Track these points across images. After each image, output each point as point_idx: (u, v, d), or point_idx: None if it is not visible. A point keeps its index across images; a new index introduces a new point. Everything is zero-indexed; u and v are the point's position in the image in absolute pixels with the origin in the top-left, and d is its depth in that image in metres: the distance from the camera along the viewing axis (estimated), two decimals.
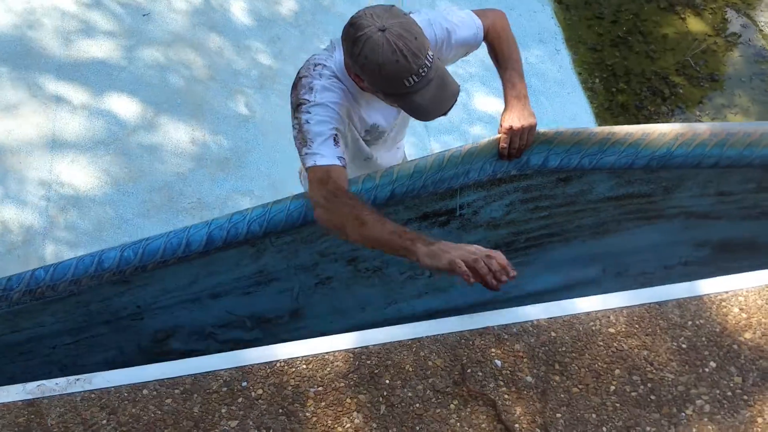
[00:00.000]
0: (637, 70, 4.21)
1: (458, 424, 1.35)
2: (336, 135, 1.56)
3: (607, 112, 4.03)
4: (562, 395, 1.37)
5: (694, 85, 4.21)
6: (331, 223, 1.50)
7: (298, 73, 1.64)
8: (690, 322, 1.42)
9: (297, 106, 1.57)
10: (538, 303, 1.48)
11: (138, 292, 1.73)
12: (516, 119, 1.67)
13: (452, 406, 1.37)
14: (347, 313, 2.07)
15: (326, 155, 1.52)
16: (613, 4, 4.52)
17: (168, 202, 3.35)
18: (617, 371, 1.37)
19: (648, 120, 4.02)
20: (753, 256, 2.15)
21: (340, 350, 1.42)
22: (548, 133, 1.73)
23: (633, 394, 1.36)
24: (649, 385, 1.37)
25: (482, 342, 1.42)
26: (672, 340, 1.40)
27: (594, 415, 1.34)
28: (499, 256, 1.33)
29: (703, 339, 1.40)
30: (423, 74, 1.44)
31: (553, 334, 1.42)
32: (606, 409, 1.35)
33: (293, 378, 1.41)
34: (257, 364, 1.42)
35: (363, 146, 1.84)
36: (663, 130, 1.74)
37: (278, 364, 1.42)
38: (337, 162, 1.53)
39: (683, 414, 1.34)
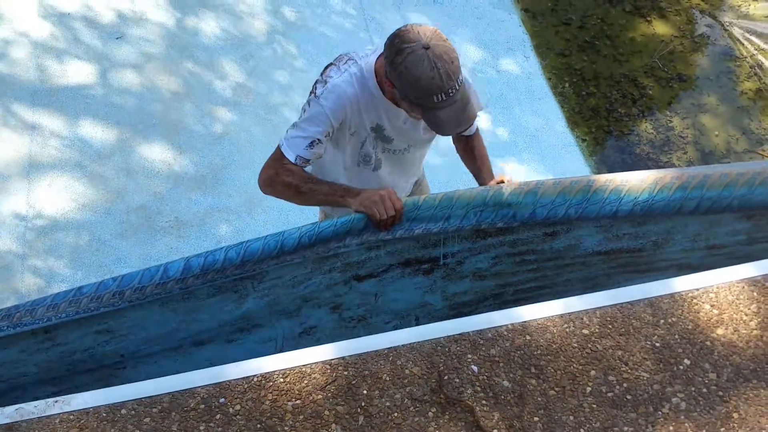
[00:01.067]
0: (606, 74, 4.27)
1: (437, 431, 1.35)
2: (315, 140, 1.74)
3: (578, 116, 4.08)
4: (539, 398, 1.38)
5: (663, 86, 4.28)
6: (274, 194, 1.84)
7: (333, 59, 1.77)
8: (662, 321, 1.44)
9: (311, 90, 1.74)
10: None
11: (121, 341, 1.72)
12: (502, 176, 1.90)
13: (431, 414, 1.37)
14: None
15: (293, 148, 1.74)
16: (579, 9, 4.59)
17: (145, 222, 3.33)
18: (593, 372, 1.38)
19: (619, 122, 4.08)
20: None
21: (317, 362, 1.42)
22: (530, 184, 1.75)
23: (609, 394, 1.38)
24: (624, 385, 1.38)
25: (458, 348, 1.43)
26: (645, 339, 1.41)
27: (571, 417, 1.36)
28: (391, 196, 1.66)
29: (676, 337, 1.42)
30: (451, 95, 1.58)
31: (528, 337, 1.43)
32: (583, 411, 1.36)
33: (271, 392, 1.40)
34: (234, 380, 1.42)
35: (368, 149, 1.90)
36: (642, 176, 1.77)
37: (255, 379, 1.42)
38: (295, 160, 1.75)
39: (660, 412, 1.35)
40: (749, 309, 1.45)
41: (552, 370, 1.39)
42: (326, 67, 1.76)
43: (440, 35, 1.59)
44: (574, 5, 4.60)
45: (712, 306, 1.46)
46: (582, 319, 1.45)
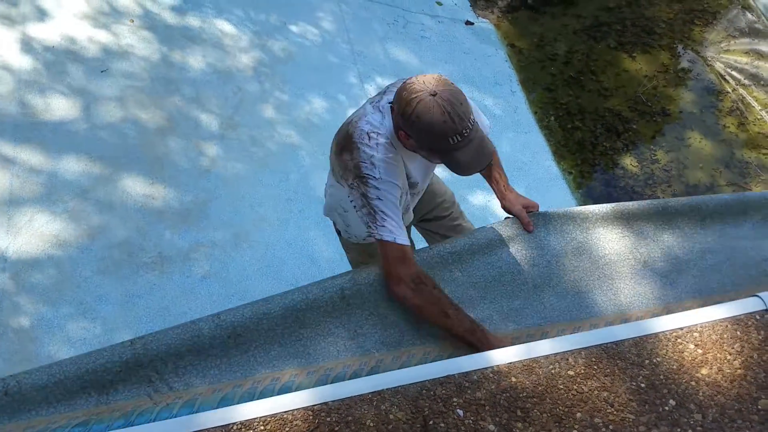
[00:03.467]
0: (591, 108, 4.33)
1: None
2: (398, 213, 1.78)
3: (564, 149, 4.12)
4: None
5: (647, 121, 4.33)
6: (417, 307, 1.72)
7: (349, 133, 1.80)
8: (647, 361, 1.43)
9: (360, 177, 1.74)
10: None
11: None
12: (521, 200, 1.98)
13: None
14: None
15: (400, 235, 1.74)
16: (564, 45, 4.66)
17: (128, 258, 3.29)
18: (578, 414, 1.37)
19: (604, 155, 4.11)
20: None
21: (299, 408, 1.39)
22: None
23: None
24: (611, 427, 1.36)
25: (444, 391, 1.41)
26: (631, 379, 1.40)
27: None
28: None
29: (661, 377, 1.40)
30: (466, 135, 1.62)
31: (513, 379, 1.42)
32: None
33: None
34: (213, 428, 1.38)
35: (407, 199, 2.00)
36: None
37: (235, 427, 1.38)
38: (408, 242, 1.76)
39: None
40: (733, 348, 1.45)
41: (538, 413, 1.37)
42: (352, 146, 1.77)
43: (445, 81, 1.64)
44: (560, 41, 4.68)
45: (696, 345, 1.45)
46: (568, 359, 1.44)
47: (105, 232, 3.31)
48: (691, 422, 1.35)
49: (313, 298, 1.72)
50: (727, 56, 4.75)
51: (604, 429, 1.37)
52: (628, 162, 4.12)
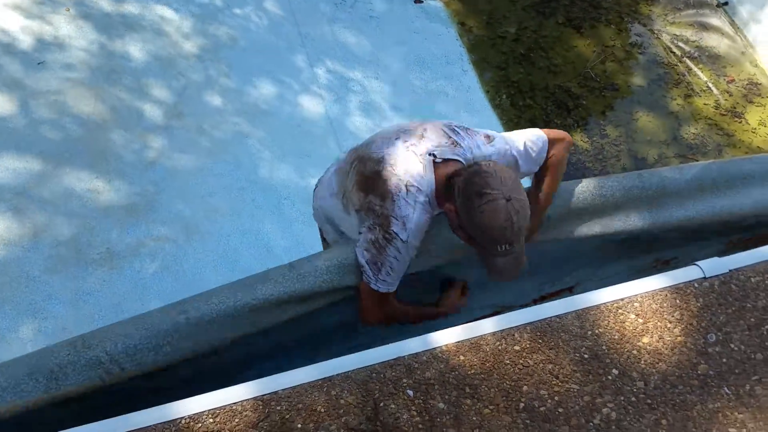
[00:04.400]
0: (542, 85, 4.36)
1: None
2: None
3: (516, 128, 4.14)
4: (474, 418, 1.37)
5: (596, 96, 4.38)
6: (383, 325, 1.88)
7: (382, 176, 1.71)
8: (590, 332, 1.45)
9: (386, 232, 1.69)
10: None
11: None
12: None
13: None
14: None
15: (391, 285, 1.76)
16: (514, 22, 4.68)
17: (76, 255, 3.22)
18: (525, 387, 1.38)
19: None
20: None
21: (248, 399, 1.38)
22: None
23: (542, 408, 1.38)
24: (556, 398, 1.38)
25: (393, 374, 1.41)
26: (574, 351, 1.42)
27: None
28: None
29: (604, 347, 1.43)
30: (512, 246, 1.58)
31: (461, 357, 1.43)
32: (517, 427, 1.36)
33: None
34: (160, 423, 1.36)
35: None
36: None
37: (183, 422, 1.36)
38: (393, 288, 1.77)
39: (591, 423, 1.36)
40: (672, 316, 1.48)
41: (486, 389, 1.38)
42: (388, 195, 1.69)
43: (519, 186, 1.59)
44: (509, 18, 4.69)
45: (636, 315, 1.48)
46: (514, 335, 1.45)
47: (50, 230, 3.22)
48: (634, 390, 1.38)
49: (271, 293, 1.72)
50: (673, 29, 4.83)
51: (549, 400, 1.39)
52: (579, 138, 4.17)
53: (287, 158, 3.64)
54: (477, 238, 1.60)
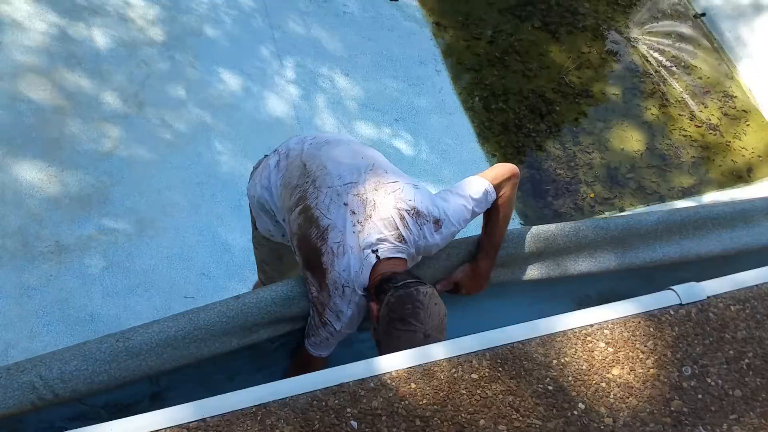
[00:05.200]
0: (515, 89, 4.26)
1: None
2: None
3: (488, 131, 4.04)
4: None
5: (570, 102, 4.30)
6: None
7: (323, 265, 1.69)
8: (555, 361, 1.33)
9: (320, 315, 1.72)
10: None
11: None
12: (468, 287, 1.91)
13: None
14: (215, 386, 1.88)
15: (324, 352, 1.81)
16: (489, 24, 4.57)
17: (22, 248, 3.04)
18: (482, 422, 1.26)
19: (528, 138, 4.06)
20: None
21: (173, 426, 1.23)
22: None
23: None
24: None
25: (336, 402, 1.27)
26: (537, 381, 1.30)
27: None
28: None
29: (570, 378, 1.31)
30: None
31: (413, 385, 1.30)
32: None
33: None
34: None
35: None
36: None
37: None
38: (318, 355, 1.81)
39: None
40: (645, 346, 1.37)
41: (438, 422, 1.26)
42: (325, 286, 1.70)
43: (443, 326, 1.60)
44: (485, 20, 4.58)
45: (607, 344, 1.36)
46: (471, 362, 1.33)
47: None
48: (601, 427, 1.26)
49: (213, 320, 1.67)
50: (650, 38, 4.77)
51: None
52: (551, 144, 4.08)
53: (250, 154, 3.48)
54: (384, 349, 1.60)
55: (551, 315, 2.12)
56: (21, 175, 3.17)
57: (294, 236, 1.79)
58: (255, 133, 3.59)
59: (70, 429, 1.73)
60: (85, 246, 3.08)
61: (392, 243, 1.69)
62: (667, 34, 4.81)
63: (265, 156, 2.08)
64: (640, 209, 3.85)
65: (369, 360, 1.34)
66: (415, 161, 3.75)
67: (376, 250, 1.67)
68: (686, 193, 4.02)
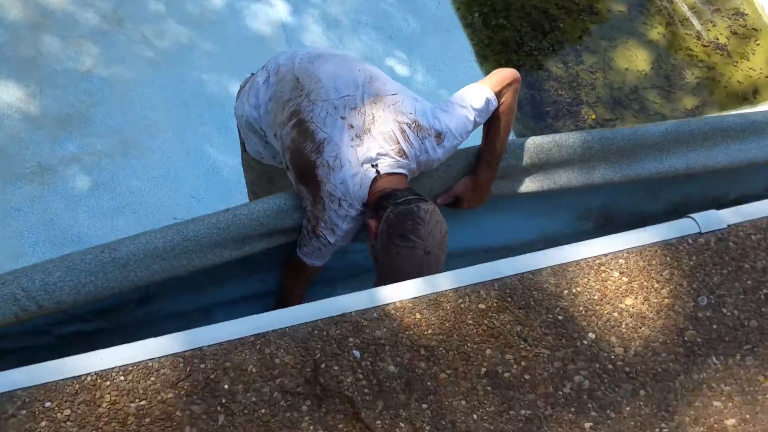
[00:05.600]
0: (517, 5, 4.06)
1: (311, 427, 1.15)
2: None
3: (487, 49, 3.87)
4: (429, 383, 1.19)
5: (573, 19, 4.12)
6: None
7: (317, 178, 1.62)
8: (566, 291, 1.27)
9: (314, 229, 1.66)
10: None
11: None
12: (470, 200, 1.83)
13: (304, 407, 1.17)
14: (203, 290, 1.83)
15: (317, 260, 1.74)
16: None
17: (4, 170, 2.92)
18: (488, 351, 1.21)
19: (529, 56, 3.90)
20: None
21: (167, 355, 1.17)
22: None
23: (506, 375, 1.21)
24: (523, 363, 1.22)
25: (338, 332, 1.22)
26: (547, 312, 1.25)
27: (463, 402, 1.18)
28: None
29: (581, 309, 1.25)
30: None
31: (417, 315, 1.24)
32: (477, 394, 1.19)
33: (109, 393, 1.15)
34: (63, 380, 1.16)
35: None
36: None
37: (89, 379, 1.16)
38: (311, 263, 1.74)
39: (560, 392, 1.20)
40: (661, 276, 1.31)
41: (443, 351, 1.21)
42: (319, 200, 1.63)
43: (444, 244, 1.55)
44: None
45: (621, 273, 1.30)
46: (479, 292, 1.26)
47: None
48: (611, 357, 1.21)
49: (204, 234, 1.61)
50: None
51: (515, 365, 1.22)
52: (553, 63, 3.93)
53: (237, 73, 3.32)
54: (381, 266, 1.58)
55: (551, 229, 2.09)
56: None
57: (287, 150, 1.70)
58: (241, 51, 3.42)
59: (54, 330, 1.70)
60: (68, 166, 2.97)
61: (393, 158, 1.62)
62: None
63: (252, 74, 1.97)
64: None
65: (371, 290, 1.27)
66: (409, 80, 3.60)
67: (376, 165, 1.61)
68: (689, 114, 3.91)
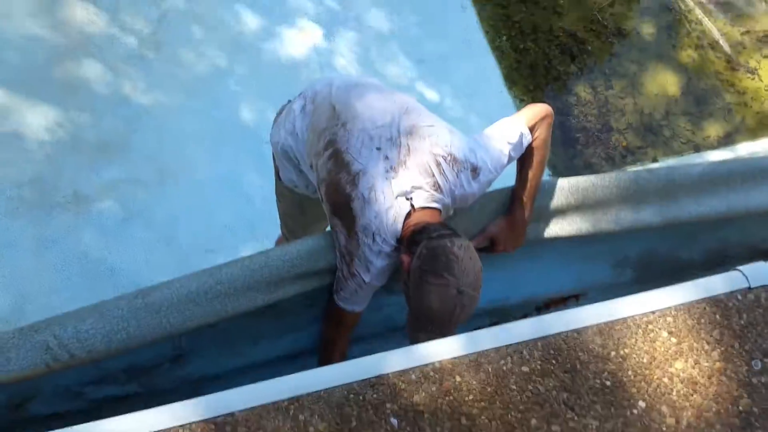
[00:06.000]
0: (545, 27, 4.02)
1: None
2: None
3: (515, 73, 3.83)
4: None
5: (602, 41, 4.07)
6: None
7: (352, 212, 1.58)
8: (613, 353, 1.22)
9: (348, 266, 1.62)
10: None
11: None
12: (505, 241, 1.78)
13: None
14: (237, 349, 1.80)
15: (348, 306, 1.71)
16: None
17: (40, 197, 2.92)
18: (534, 421, 1.16)
19: (557, 80, 3.85)
20: None
21: (197, 421, 1.14)
22: None
23: None
24: None
25: (375, 396, 1.17)
26: (594, 376, 1.20)
27: None
28: None
29: (630, 373, 1.20)
30: (440, 334, 1.40)
31: (458, 378, 1.19)
32: None
33: None
34: None
35: None
36: None
37: None
38: (349, 309, 1.71)
39: None
40: (711, 336, 1.25)
41: (486, 420, 1.16)
42: (354, 236, 1.59)
43: (479, 282, 1.49)
44: None
45: (669, 333, 1.25)
46: (522, 352, 1.22)
47: (11, 168, 2.90)
48: (663, 428, 1.16)
49: (237, 277, 1.58)
50: None
51: None
52: (582, 88, 3.87)
53: (270, 99, 3.31)
54: (413, 306, 1.53)
55: (588, 279, 2.04)
56: (35, 121, 3.02)
57: (322, 182, 1.67)
58: (274, 77, 3.42)
59: (86, 393, 1.68)
60: (103, 195, 2.97)
61: (427, 191, 1.59)
62: None
63: (289, 101, 1.96)
64: (673, 160, 3.67)
65: (409, 348, 1.23)
66: (436, 105, 3.57)
67: (411, 198, 1.57)
68: (721, 142, 3.83)
